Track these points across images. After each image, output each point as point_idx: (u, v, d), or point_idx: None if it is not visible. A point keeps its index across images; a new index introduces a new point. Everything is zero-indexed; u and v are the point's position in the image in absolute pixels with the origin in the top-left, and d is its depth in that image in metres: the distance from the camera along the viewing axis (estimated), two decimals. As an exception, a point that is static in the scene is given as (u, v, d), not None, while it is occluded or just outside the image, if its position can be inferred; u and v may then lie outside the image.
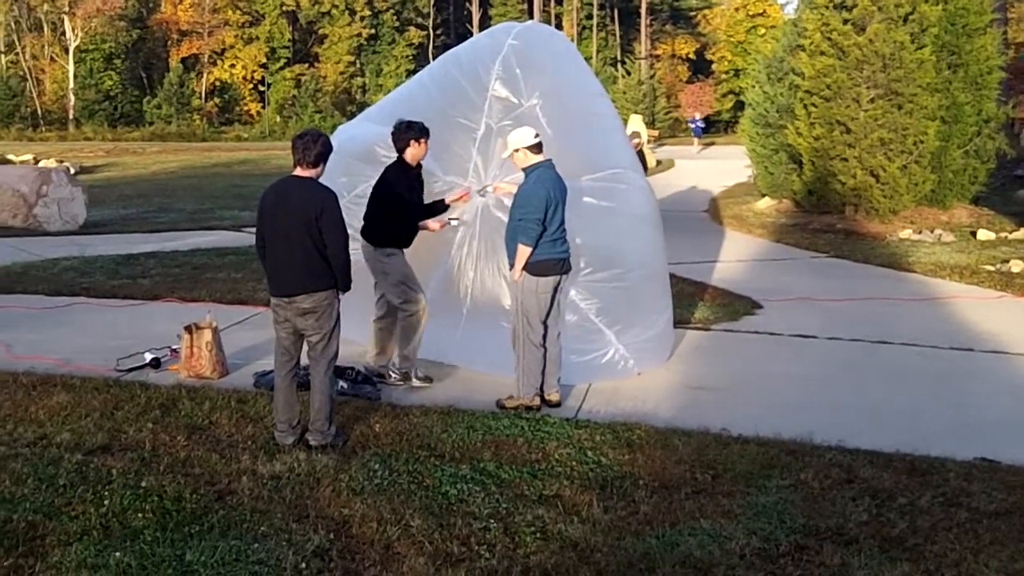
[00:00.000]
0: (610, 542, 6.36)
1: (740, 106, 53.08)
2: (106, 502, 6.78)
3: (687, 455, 7.89)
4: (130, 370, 10.33)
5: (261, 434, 8.29)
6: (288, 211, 7.91)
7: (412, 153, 9.69)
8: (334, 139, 10.95)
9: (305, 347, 8.29)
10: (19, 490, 7.01)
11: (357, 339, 10.70)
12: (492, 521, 6.66)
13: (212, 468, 7.51)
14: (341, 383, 9.61)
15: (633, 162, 11.19)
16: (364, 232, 9.82)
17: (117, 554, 6.02)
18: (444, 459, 7.83)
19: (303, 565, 5.98)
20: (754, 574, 5.95)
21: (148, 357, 10.55)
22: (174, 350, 10.66)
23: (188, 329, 10.11)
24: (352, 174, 10.52)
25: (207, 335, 10.09)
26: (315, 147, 8.00)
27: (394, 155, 9.93)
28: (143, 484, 7.11)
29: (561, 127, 9.68)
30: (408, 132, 9.62)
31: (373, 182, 10.03)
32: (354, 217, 10.13)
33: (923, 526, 6.64)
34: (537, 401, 9.23)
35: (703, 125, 64.53)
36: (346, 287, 8.13)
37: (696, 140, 61.13)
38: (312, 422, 8.14)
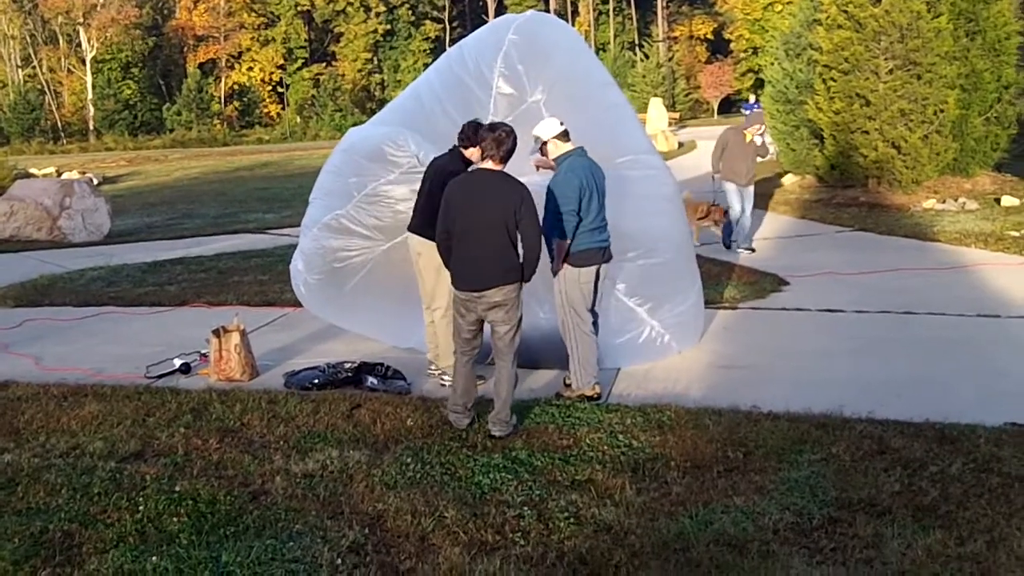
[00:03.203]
0: (644, 524, 6.37)
1: (760, 84, 52.40)
2: (141, 508, 6.82)
3: (718, 434, 7.89)
4: (160, 376, 10.38)
5: (293, 433, 8.32)
6: (486, 205, 7.96)
7: (474, 153, 9.17)
8: (344, 141, 11.01)
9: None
10: (54, 500, 7.06)
11: (379, 336, 10.88)
12: (526, 508, 6.67)
13: (245, 469, 7.55)
14: (371, 379, 9.65)
15: (649, 147, 11.17)
16: (418, 226, 9.64)
17: (153, 559, 6.05)
18: (476, 449, 7.85)
19: (339, 561, 6.01)
20: (788, 549, 5.95)
21: (178, 363, 10.60)
22: (203, 355, 10.70)
23: (216, 333, 10.14)
24: (362, 174, 10.49)
25: (235, 338, 10.13)
26: (508, 142, 8.08)
27: (401, 155, 9.89)
28: (177, 488, 7.15)
29: (568, 119, 9.62)
30: (484, 132, 8.53)
31: (379, 183, 10.01)
32: (367, 215, 10.15)
33: (955, 493, 6.62)
34: (598, 389, 9.17)
35: (761, 109, 43.03)
36: (530, 278, 8.19)
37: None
38: (497, 412, 8.17)
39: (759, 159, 17.84)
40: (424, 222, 9.32)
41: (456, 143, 9.44)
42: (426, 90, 11.52)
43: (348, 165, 10.70)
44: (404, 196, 10.08)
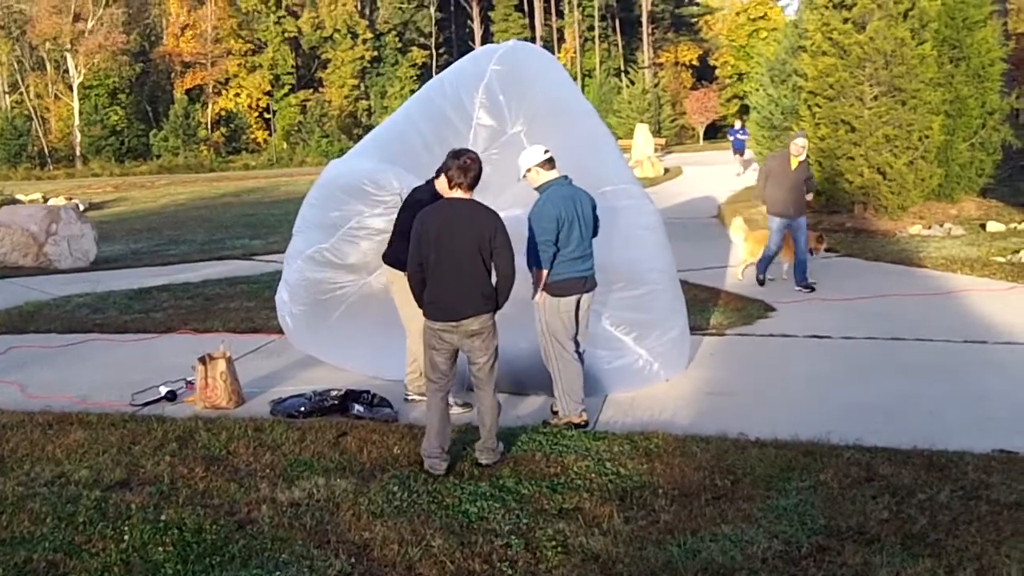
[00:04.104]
0: (632, 552, 6.35)
1: (745, 110, 52.69)
2: (126, 537, 6.78)
3: (706, 461, 7.88)
4: (146, 404, 10.35)
5: (279, 461, 8.29)
6: (460, 234, 7.85)
7: (441, 183, 9.22)
8: (324, 175, 11.03)
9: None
10: (38, 529, 7.02)
11: (363, 370, 11.02)
12: (513, 537, 6.65)
13: (231, 498, 7.52)
14: (358, 407, 9.63)
15: (629, 177, 11.17)
16: (390, 255, 9.70)
17: (139, 588, 6.03)
18: (463, 477, 7.83)
19: (325, 590, 5.98)
20: (777, 578, 5.94)
21: (163, 390, 10.56)
22: (189, 382, 10.68)
23: (202, 360, 10.12)
24: (344, 209, 10.50)
25: (221, 365, 10.10)
26: (474, 168, 8.00)
27: (384, 194, 9.90)
28: (163, 517, 7.11)
29: (549, 148, 9.57)
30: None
31: (363, 216, 10.00)
32: (351, 249, 10.14)
33: (943, 521, 6.62)
34: (585, 417, 9.14)
35: (746, 136, 42.80)
36: (502, 304, 8.11)
37: (738, 157, 43.61)
38: (484, 441, 8.13)
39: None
40: (397, 250, 9.36)
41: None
42: (406, 122, 11.50)
43: (329, 200, 10.72)
44: (388, 230, 10.08)
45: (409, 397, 10.04)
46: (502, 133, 10.84)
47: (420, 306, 8.24)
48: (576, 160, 9.84)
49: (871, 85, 21.76)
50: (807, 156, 15.73)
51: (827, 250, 16.64)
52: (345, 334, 10.85)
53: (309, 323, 10.91)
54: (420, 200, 9.07)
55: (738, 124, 46.10)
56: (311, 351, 11.36)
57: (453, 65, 12.30)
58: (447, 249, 7.85)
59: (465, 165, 7.96)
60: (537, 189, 9.05)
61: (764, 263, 15.96)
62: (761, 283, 15.91)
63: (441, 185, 8.60)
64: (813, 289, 15.25)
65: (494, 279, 7.99)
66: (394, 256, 9.53)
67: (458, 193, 8.01)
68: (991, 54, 22.84)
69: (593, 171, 10.41)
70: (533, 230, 8.83)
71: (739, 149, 43.59)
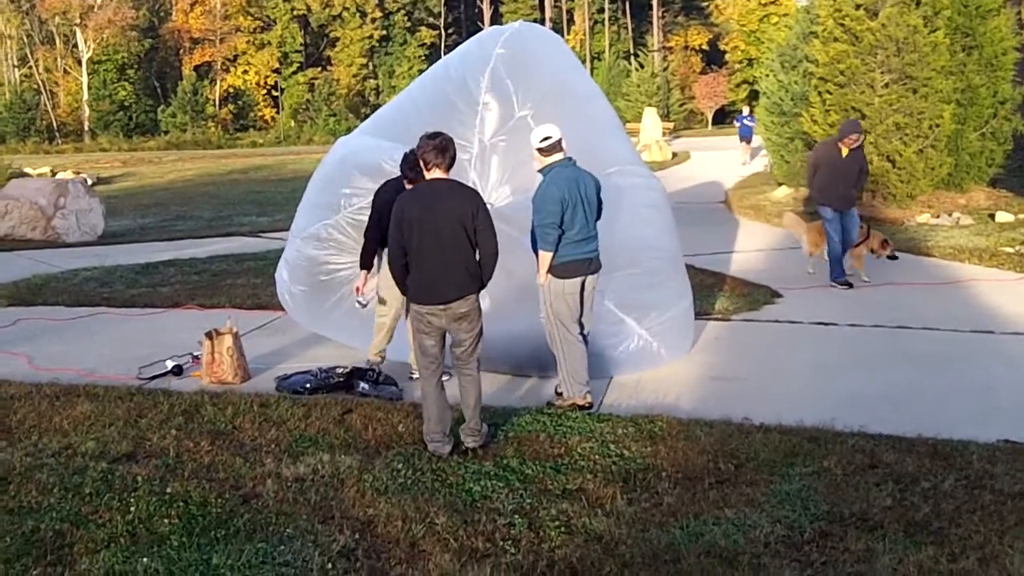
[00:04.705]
0: (635, 534, 6.37)
1: (754, 95, 52.49)
2: (132, 509, 6.82)
3: (710, 445, 7.89)
4: (152, 378, 10.39)
5: (284, 437, 8.33)
6: (443, 215, 7.74)
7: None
8: (336, 152, 10.98)
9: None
10: (45, 500, 7.06)
11: (352, 343, 10.98)
12: (516, 516, 6.67)
13: (236, 472, 7.55)
14: (363, 385, 9.65)
15: (635, 158, 11.14)
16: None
17: (144, 560, 6.05)
18: (467, 456, 7.86)
19: (329, 565, 6.01)
20: (779, 562, 5.95)
21: (170, 364, 10.60)
22: (196, 357, 10.70)
23: (209, 335, 10.14)
24: (355, 187, 10.49)
25: (228, 341, 10.13)
26: (451, 149, 7.90)
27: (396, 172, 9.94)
28: (168, 490, 7.14)
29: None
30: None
31: (370, 195, 10.03)
32: (356, 227, 10.10)
33: (947, 509, 6.63)
34: (589, 399, 9.13)
35: (753, 123, 38.29)
36: (487, 283, 8.07)
37: (744, 145, 41.07)
38: (468, 422, 8.10)
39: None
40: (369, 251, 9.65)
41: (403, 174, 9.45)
42: (410, 106, 11.44)
43: (340, 177, 10.70)
44: None
45: (415, 375, 10.07)
46: (509, 117, 10.76)
47: (403, 292, 8.21)
48: (582, 142, 9.76)
49: (882, 72, 21.67)
50: (862, 144, 14.70)
51: (890, 257, 15.15)
52: (344, 316, 10.85)
53: (308, 304, 10.93)
54: (388, 201, 8.83)
55: (746, 110, 44.33)
56: (313, 328, 11.38)
57: (458, 48, 12.24)
58: (431, 231, 7.75)
59: (442, 145, 7.84)
60: (540, 171, 9.02)
61: (836, 262, 14.62)
62: (849, 285, 14.41)
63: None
64: (850, 285, 14.36)
65: (480, 259, 7.95)
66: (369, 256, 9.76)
67: (437, 174, 7.89)
68: (1004, 43, 22.71)
69: (599, 153, 10.39)
70: (536, 213, 8.81)
71: (746, 136, 40.88)
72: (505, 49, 10.97)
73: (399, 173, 9.66)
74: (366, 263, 9.87)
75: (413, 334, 8.22)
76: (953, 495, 6.85)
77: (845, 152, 14.27)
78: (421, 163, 8.00)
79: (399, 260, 7.92)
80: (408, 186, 9.13)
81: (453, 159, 7.96)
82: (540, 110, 10.71)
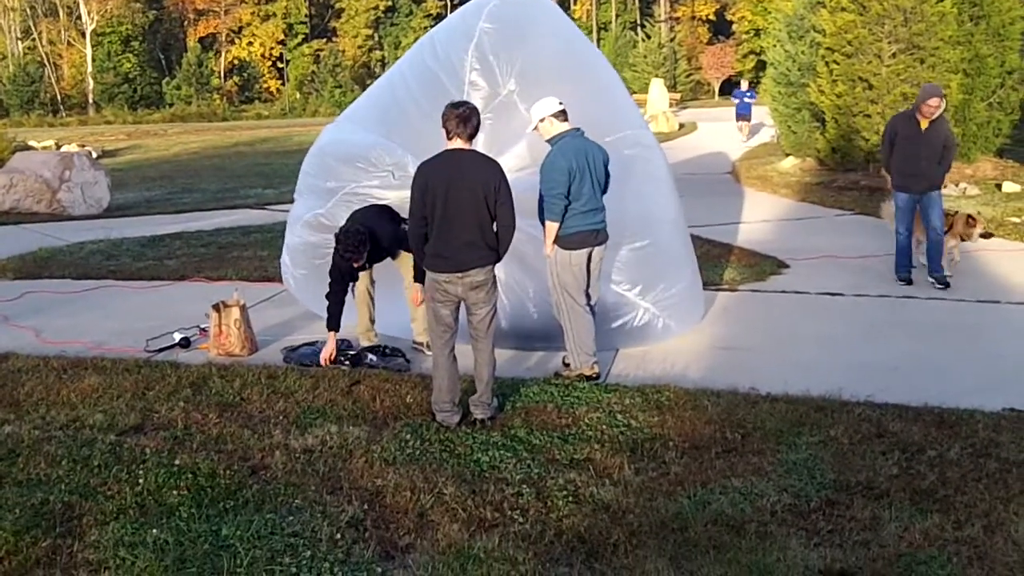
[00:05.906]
0: (642, 503, 6.40)
1: (761, 66, 52.24)
2: (141, 481, 6.84)
3: (717, 415, 7.91)
4: (160, 350, 10.40)
5: (292, 409, 8.35)
6: (465, 185, 7.72)
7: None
8: (317, 142, 10.99)
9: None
10: (54, 472, 7.08)
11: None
12: (524, 486, 6.70)
13: (245, 444, 7.57)
14: (371, 356, 9.67)
15: (640, 122, 11.02)
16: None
17: (154, 531, 6.08)
18: (475, 427, 7.88)
19: (338, 536, 6.03)
20: (786, 530, 5.97)
21: (177, 337, 10.62)
22: (203, 329, 10.74)
23: (216, 308, 10.16)
24: (339, 178, 10.45)
25: (235, 313, 10.14)
26: (475, 118, 7.87)
27: (375, 169, 10.06)
28: (177, 462, 7.16)
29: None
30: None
31: (358, 184, 10.06)
32: (347, 214, 10.05)
33: (952, 477, 6.65)
34: (596, 369, 9.13)
35: (753, 99, 37.90)
36: (503, 255, 8.05)
37: (742, 123, 37.78)
38: (480, 395, 8.11)
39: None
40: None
41: None
42: (400, 83, 11.33)
43: (321, 168, 10.71)
44: (382, 197, 10.16)
45: (417, 341, 10.10)
46: (495, 96, 10.53)
47: (419, 261, 8.22)
48: (582, 110, 9.54)
49: (890, 42, 21.61)
50: (943, 114, 12.50)
51: (983, 235, 13.35)
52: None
53: (311, 286, 10.91)
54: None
55: (744, 85, 39.61)
56: (318, 309, 11.38)
57: (443, 22, 12.06)
58: (454, 200, 7.73)
59: (464, 115, 7.81)
60: (549, 141, 8.98)
61: (904, 257, 12.89)
62: (909, 282, 12.69)
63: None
64: (947, 284, 12.41)
65: (497, 231, 7.94)
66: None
67: (458, 143, 7.87)
68: (1012, 12, 22.61)
69: (602, 120, 10.18)
70: (543, 183, 8.79)
71: (744, 114, 37.60)
72: (490, 23, 10.69)
73: (373, 170, 9.85)
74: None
75: (427, 305, 8.21)
76: (959, 463, 6.87)
77: (925, 124, 12.29)
78: (443, 131, 7.95)
79: (420, 228, 7.91)
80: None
81: (476, 129, 7.93)
82: (527, 85, 10.39)
